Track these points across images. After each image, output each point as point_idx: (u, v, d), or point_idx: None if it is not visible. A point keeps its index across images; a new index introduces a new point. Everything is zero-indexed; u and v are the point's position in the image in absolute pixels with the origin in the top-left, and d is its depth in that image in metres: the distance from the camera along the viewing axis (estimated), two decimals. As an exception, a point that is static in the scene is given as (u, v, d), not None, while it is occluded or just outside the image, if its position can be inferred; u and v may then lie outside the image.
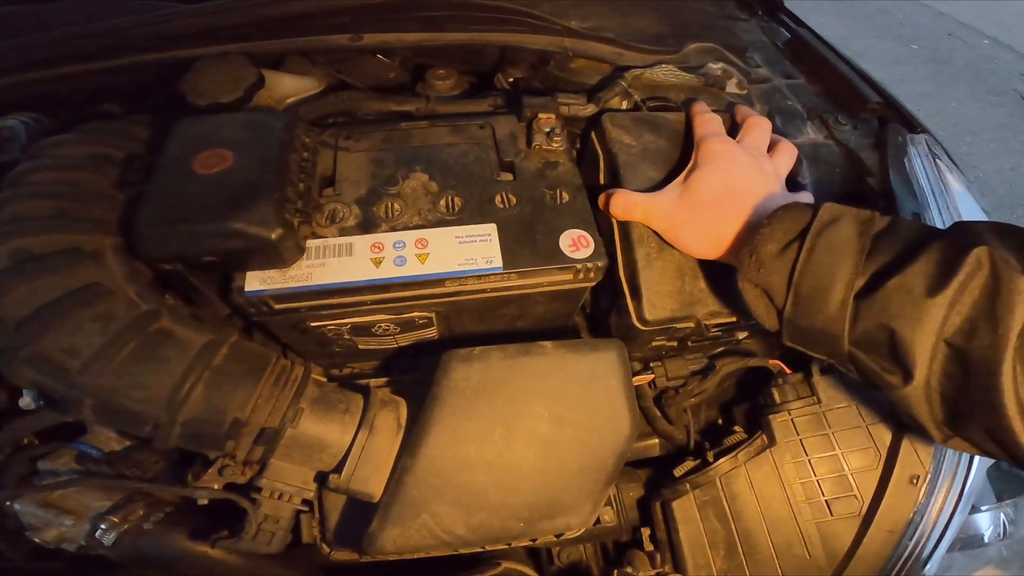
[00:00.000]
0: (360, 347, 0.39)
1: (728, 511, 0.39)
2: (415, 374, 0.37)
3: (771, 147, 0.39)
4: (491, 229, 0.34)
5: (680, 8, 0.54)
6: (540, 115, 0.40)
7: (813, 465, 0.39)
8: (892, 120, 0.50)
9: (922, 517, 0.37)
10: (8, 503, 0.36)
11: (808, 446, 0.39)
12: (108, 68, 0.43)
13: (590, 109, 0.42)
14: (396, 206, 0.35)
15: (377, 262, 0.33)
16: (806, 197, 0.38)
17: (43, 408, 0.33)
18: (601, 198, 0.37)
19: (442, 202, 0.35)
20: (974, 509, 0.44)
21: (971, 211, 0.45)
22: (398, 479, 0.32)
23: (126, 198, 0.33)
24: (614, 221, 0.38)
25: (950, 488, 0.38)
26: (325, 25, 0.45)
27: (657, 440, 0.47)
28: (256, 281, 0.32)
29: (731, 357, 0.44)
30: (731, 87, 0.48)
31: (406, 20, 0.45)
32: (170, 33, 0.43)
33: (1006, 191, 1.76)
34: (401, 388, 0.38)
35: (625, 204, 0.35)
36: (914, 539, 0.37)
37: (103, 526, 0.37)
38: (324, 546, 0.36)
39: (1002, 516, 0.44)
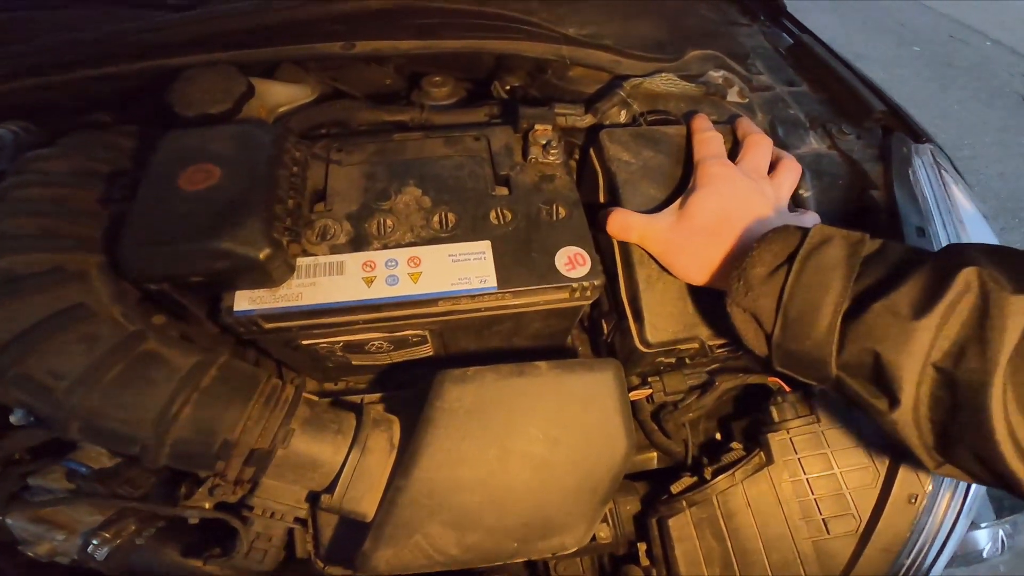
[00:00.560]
0: (354, 363, 0.39)
1: (724, 529, 0.39)
2: (409, 390, 0.36)
3: (774, 165, 0.38)
4: (485, 247, 0.34)
5: (681, 14, 0.53)
6: (537, 126, 0.39)
7: (811, 483, 0.38)
8: (896, 129, 0.49)
9: (920, 535, 0.37)
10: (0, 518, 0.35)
11: (806, 465, 0.38)
12: (97, 76, 0.43)
13: (588, 120, 0.42)
14: (388, 222, 0.34)
15: (369, 281, 0.32)
16: (811, 218, 0.37)
17: (33, 425, 0.33)
18: (600, 217, 0.36)
19: (435, 218, 0.35)
20: (973, 525, 0.44)
21: (975, 222, 0.44)
22: (391, 499, 0.32)
23: (111, 215, 0.33)
24: (614, 241, 0.37)
25: (949, 506, 0.37)
26: (318, 33, 0.44)
27: (655, 453, 0.47)
28: (245, 301, 0.31)
29: (730, 373, 0.43)
30: (732, 95, 0.47)
31: (401, 28, 0.45)
32: (160, 41, 0.42)
33: (1008, 194, 1.74)
34: (395, 404, 0.37)
35: (622, 225, 0.35)
36: (912, 556, 0.37)
37: (95, 541, 0.36)
38: (318, 561, 0.36)
39: (1001, 533, 0.44)
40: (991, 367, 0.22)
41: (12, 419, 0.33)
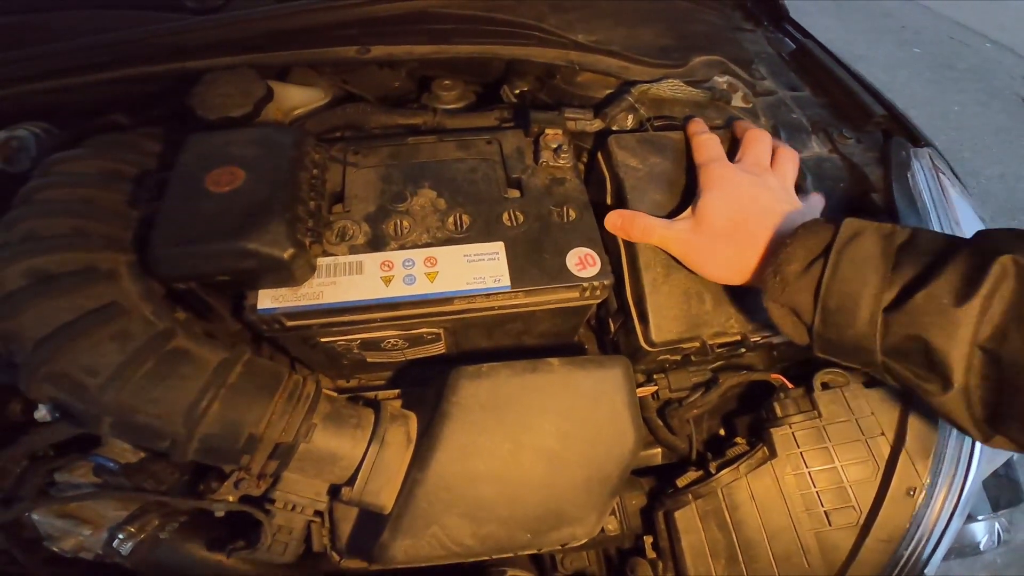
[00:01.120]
0: (368, 360, 0.40)
1: (729, 521, 0.40)
2: (425, 387, 0.37)
3: (772, 156, 0.39)
4: (499, 248, 0.35)
5: (686, 20, 0.54)
6: (547, 131, 0.40)
7: (813, 477, 0.39)
8: (896, 133, 0.50)
9: (918, 527, 0.38)
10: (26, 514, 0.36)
11: (808, 458, 0.40)
12: (117, 78, 0.44)
13: (596, 125, 0.43)
14: (405, 223, 0.35)
15: (387, 280, 0.33)
16: (817, 201, 0.39)
17: (59, 420, 0.34)
18: (613, 218, 0.37)
19: (450, 220, 0.36)
20: (970, 518, 0.45)
21: (970, 225, 0.45)
22: (409, 492, 0.33)
23: (139, 215, 0.34)
24: (621, 244, 0.38)
25: (946, 498, 0.39)
26: (333, 37, 0.45)
27: (660, 449, 0.48)
28: (268, 299, 0.32)
29: (734, 370, 0.44)
30: (737, 100, 0.48)
31: (414, 33, 0.46)
32: (179, 44, 0.43)
33: (1007, 196, 1.76)
34: (411, 401, 0.38)
35: (644, 227, 0.36)
36: (910, 548, 0.38)
37: (120, 536, 0.37)
38: (335, 554, 0.37)
39: (997, 525, 0.45)
40: None
41: (37, 416, 0.34)
